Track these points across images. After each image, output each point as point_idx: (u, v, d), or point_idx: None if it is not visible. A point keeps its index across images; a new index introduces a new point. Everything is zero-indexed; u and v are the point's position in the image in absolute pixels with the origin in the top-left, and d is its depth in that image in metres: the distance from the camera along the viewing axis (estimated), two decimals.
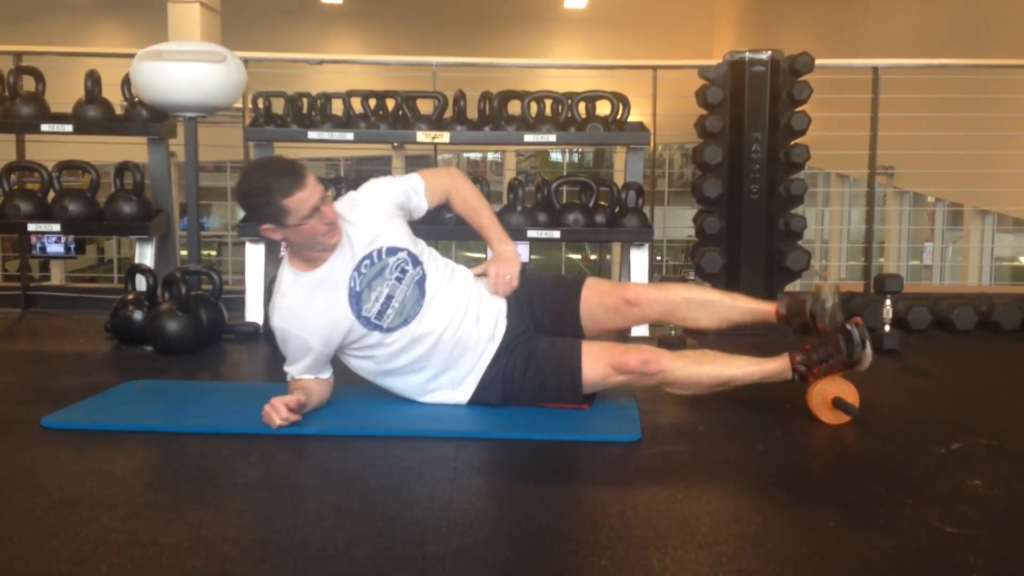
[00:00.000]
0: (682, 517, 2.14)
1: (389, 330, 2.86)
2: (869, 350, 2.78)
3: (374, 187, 3.01)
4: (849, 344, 2.78)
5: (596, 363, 2.86)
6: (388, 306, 2.84)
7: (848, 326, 2.79)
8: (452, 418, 2.87)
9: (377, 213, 2.93)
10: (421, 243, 3.02)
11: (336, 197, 3.03)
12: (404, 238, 2.95)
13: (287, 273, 2.89)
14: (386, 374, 2.95)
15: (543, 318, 3.04)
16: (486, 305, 2.99)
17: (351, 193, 3.01)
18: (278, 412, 2.70)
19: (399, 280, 2.87)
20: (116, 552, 1.90)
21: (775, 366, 2.89)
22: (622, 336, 3.91)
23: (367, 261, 2.85)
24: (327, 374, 2.96)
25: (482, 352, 2.93)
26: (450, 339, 2.89)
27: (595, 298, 3.03)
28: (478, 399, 2.95)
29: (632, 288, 3.06)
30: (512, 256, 3.09)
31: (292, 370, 2.92)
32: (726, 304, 3.05)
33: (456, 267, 3.07)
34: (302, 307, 2.84)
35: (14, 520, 2.10)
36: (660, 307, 3.02)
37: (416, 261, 2.92)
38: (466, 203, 3.14)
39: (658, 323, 3.32)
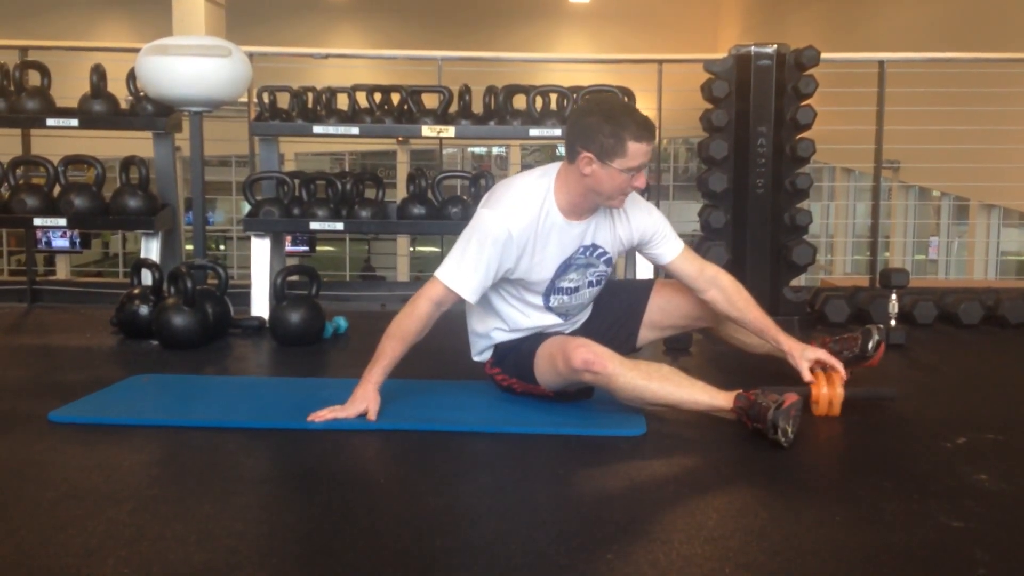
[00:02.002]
0: (688, 511, 2.14)
1: (550, 309, 2.94)
2: (791, 432, 2.58)
3: (649, 212, 3.01)
4: (775, 415, 2.56)
5: (552, 351, 2.81)
6: (569, 293, 2.92)
7: (772, 406, 2.59)
8: (459, 412, 2.88)
9: (632, 227, 2.95)
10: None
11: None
12: (615, 259, 3.02)
13: (544, 191, 2.82)
14: (492, 307, 2.98)
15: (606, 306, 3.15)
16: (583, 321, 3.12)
17: (634, 195, 2.93)
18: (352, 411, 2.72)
19: (590, 285, 2.97)
20: (123, 546, 1.91)
21: (723, 403, 2.73)
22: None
23: (594, 249, 2.90)
24: (472, 298, 2.80)
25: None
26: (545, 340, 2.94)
27: (677, 271, 3.05)
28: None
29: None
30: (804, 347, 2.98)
31: (449, 275, 2.77)
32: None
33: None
34: (532, 228, 2.78)
35: (22, 514, 2.10)
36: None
37: (603, 282, 3.03)
38: (747, 301, 3.02)
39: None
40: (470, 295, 2.78)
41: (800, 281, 5.22)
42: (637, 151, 2.69)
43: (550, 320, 2.97)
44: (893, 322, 4.05)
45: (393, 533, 1.98)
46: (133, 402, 3.04)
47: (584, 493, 2.31)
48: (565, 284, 2.91)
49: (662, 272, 3.30)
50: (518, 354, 2.95)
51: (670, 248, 3.01)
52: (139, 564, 1.83)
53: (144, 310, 4.06)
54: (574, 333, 3.02)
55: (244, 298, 4.45)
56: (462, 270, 2.76)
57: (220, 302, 4.11)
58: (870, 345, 3.04)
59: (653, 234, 2.99)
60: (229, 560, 1.85)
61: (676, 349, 3.84)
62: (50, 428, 2.73)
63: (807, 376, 2.89)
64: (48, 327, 4.66)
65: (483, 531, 2.02)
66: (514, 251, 2.77)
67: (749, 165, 4.54)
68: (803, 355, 2.91)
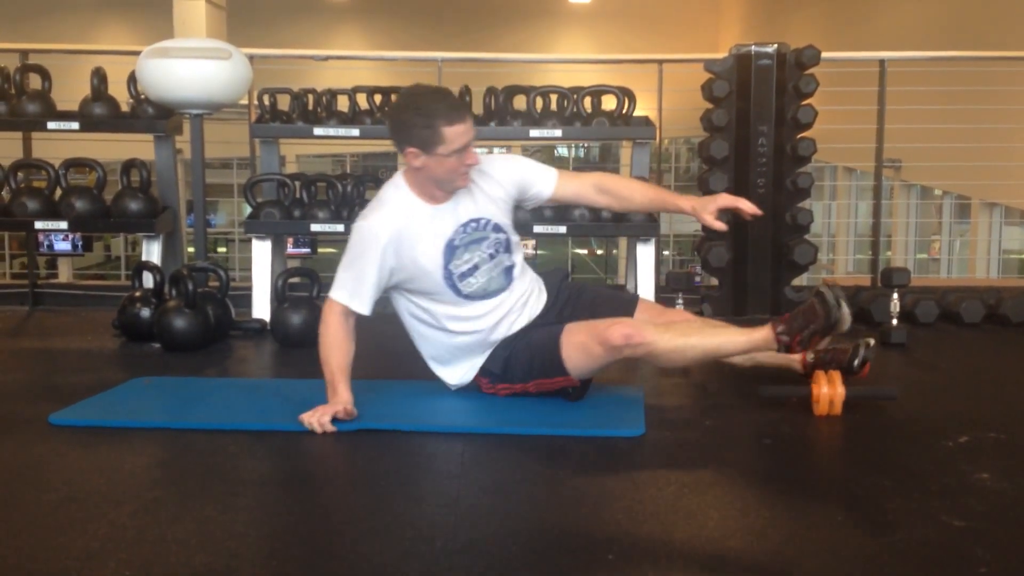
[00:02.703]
0: (689, 511, 2.14)
1: (466, 297, 2.89)
2: (846, 309, 2.70)
3: (505, 161, 3.07)
4: (824, 305, 2.69)
5: (581, 337, 2.82)
6: (471, 273, 2.88)
7: (821, 288, 2.75)
8: (459, 413, 2.88)
9: (501, 187, 2.97)
10: (516, 235, 3.06)
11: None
12: (508, 222, 3.00)
13: (401, 191, 2.89)
14: (428, 325, 2.96)
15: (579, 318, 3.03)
16: (533, 299, 3.04)
17: (486, 156, 3.02)
18: (323, 425, 2.67)
19: (491, 257, 2.92)
20: (124, 548, 1.91)
21: (760, 336, 2.81)
22: None
23: (474, 224, 2.89)
24: (365, 310, 2.86)
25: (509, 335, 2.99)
26: (502, 328, 2.94)
27: (575, 346, 2.92)
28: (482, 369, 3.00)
29: (615, 334, 2.79)
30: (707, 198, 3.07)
31: (339, 292, 2.84)
32: (714, 351, 2.91)
33: (528, 268, 3.12)
34: (401, 223, 2.84)
35: (22, 517, 2.10)
36: (644, 351, 2.87)
37: (509, 248, 2.97)
38: (629, 186, 3.17)
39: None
40: (362, 307, 2.84)
41: (802, 280, 5.22)
42: (454, 134, 2.72)
43: (484, 307, 2.91)
44: (895, 321, 4.05)
45: (394, 534, 1.98)
46: (134, 405, 3.04)
47: (584, 493, 2.31)
48: (462, 267, 2.87)
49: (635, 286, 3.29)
50: (527, 357, 2.91)
51: (546, 182, 3.06)
52: (140, 566, 1.83)
53: (145, 313, 4.06)
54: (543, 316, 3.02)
55: (245, 300, 4.45)
56: (350, 283, 2.85)
57: (221, 304, 4.11)
58: (855, 363, 2.97)
59: (522, 178, 3.03)
60: (230, 562, 1.85)
61: None
62: (51, 431, 2.73)
63: (716, 225, 2.97)
64: (50, 330, 4.66)
65: (484, 532, 2.02)
66: (392, 249, 2.82)
67: (750, 165, 4.54)
68: (705, 208, 3.00)
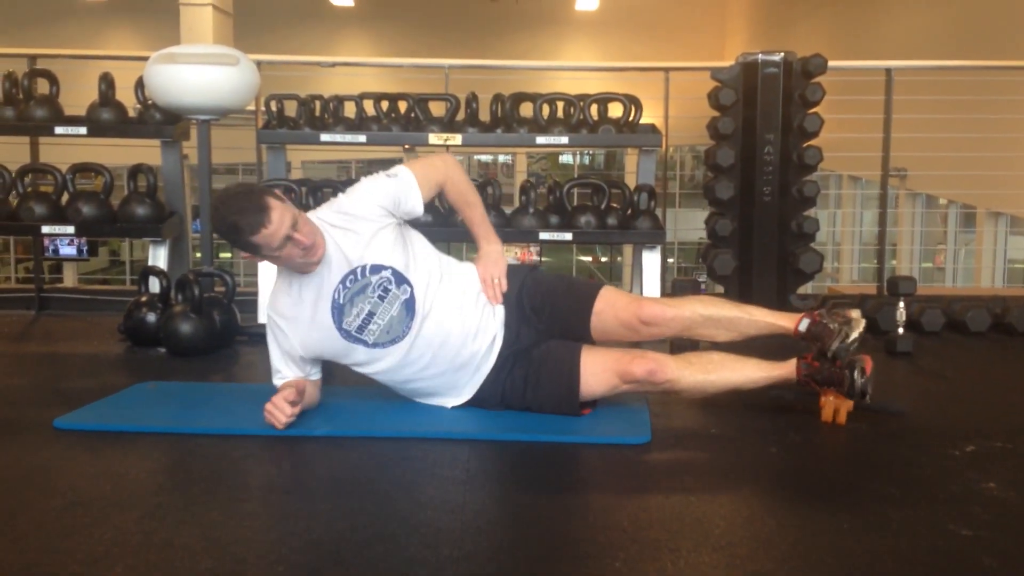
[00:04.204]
0: (695, 519, 2.13)
1: (376, 346, 2.82)
2: (866, 401, 2.82)
3: (364, 193, 2.89)
4: (851, 388, 2.80)
5: (600, 374, 2.81)
6: (370, 321, 2.79)
7: (857, 372, 2.78)
8: (465, 420, 2.87)
9: (366, 224, 2.83)
10: (417, 255, 2.89)
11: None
12: (391, 254, 2.82)
13: (281, 274, 2.89)
14: (384, 380, 2.94)
15: (552, 326, 2.97)
16: (486, 318, 2.92)
17: (340, 198, 2.92)
18: (282, 410, 2.68)
19: (381, 299, 2.79)
20: (130, 553, 1.91)
21: (781, 373, 2.89)
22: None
23: (352, 276, 2.78)
24: (315, 376, 2.94)
25: (479, 366, 2.90)
26: (444, 359, 2.86)
27: (609, 313, 2.93)
28: (474, 403, 2.94)
29: (648, 307, 2.91)
30: (498, 257, 3.02)
31: (277, 378, 2.90)
32: (744, 320, 2.97)
33: (462, 275, 2.98)
34: (289, 310, 2.84)
35: (28, 521, 2.10)
36: (677, 325, 2.93)
37: (401, 279, 2.81)
38: (460, 195, 3.05)
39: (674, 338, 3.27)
40: (308, 374, 2.91)
41: (807, 289, 5.21)
42: (265, 238, 2.65)
43: (396, 351, 2.82)
44: (901, 330, 4.04)
45: (400, 542, 1.98)
46: (139, 409, 3.04)
47: (590, 501, 2.31)
48: (355, 321, 2.79)
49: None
50: (535, 384, 2.87)
51: (405, 189, 2.90)
52: (145, 571, 1.83)
53: (151, 318, 4.07)
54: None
55: (251, 305, 4.45)
56: (274, 367, 2.91)
57: (227, 309, 4.11)
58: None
59: (385, 200, 2.87)
60: (235, 568, 1.85)
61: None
62: (56, 435, 2.74)
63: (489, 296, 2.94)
64: (55, 335, 4.67)
65: (490, 539, 2.02)
66: (289, 327, 2.83)
67: (756, 173, 4.54)
68: (478, 263, 3.00)
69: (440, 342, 2.84)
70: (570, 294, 3.02)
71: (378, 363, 2.85)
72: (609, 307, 2.94)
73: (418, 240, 2.97)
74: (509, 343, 2.92)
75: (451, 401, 2.95)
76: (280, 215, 2.65)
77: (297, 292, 2.83)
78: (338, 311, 2.79)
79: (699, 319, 2.94)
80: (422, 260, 2.90)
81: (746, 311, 3.00)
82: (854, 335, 2.82)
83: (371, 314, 2.79)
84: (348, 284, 2.79)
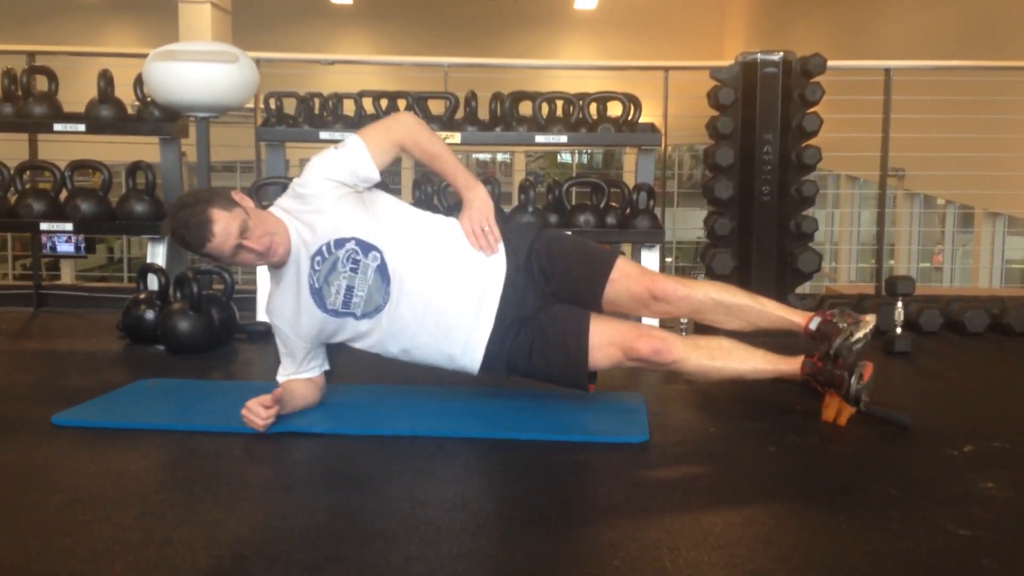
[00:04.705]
0: (694, 519, 2.14)
1: (364, 317, 2.78)
2: (861, 407, 2.82)
3: (315, 171, 2.78)
4: (847, 392, 2.80)
5: (605, 347, 2.76)
6: (352, 296, 2.75)
7: (854, 378, 2.77)
8: (464, 419, 2.87)
9: (322, 200, 2.75)
10: (380, 216, 2.80)
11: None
12: (352, 223, 2.75)
13: (268, 270, 2.91)
14: (391, 353, 2.89)
15: (561, 290, 2.87)
16: (474, 274, 2.80)
17: (294, 183, 2.83)
18: (257, 414, 2.68)
19: (353, 271, 2.73)
20: (130, 551, 1.91)
21: (786, 368, 2.89)
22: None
23: (318, 257, 2.74)
24: (315, 372, 2.94)
25: (474, 327, 2.79)
26: (431, 323, 2.77)
27: (622, 284, 2.86)
28: (484, 371, 2.86)
29: (661, 282, 2.87)
30: (482, 201, 2.86)
31: (280, 374, 2.93)
32: (755, 310, 2.94)
33: (440, 228, 2.87)
34: (278, 302, 2.85)
35: (28, 519, 2.10)
36: (687, 305, 2.89)
37: (368, 247, 2.73)
38: (424, 151, 2.87)
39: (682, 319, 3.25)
40: (310, 372, 2.94)
41: (805, 288, 5.22)
42: (215, 247, 2.65)
43: (381, 319, 2.78)
44: (899, 329, 4.05)
45: (399, 539, 1.98)
46: (139, 406, 3.04)
47: (589, 500, 2.31)
48: (338, 299, 2.76)
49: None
50: (541, 352, 2.80)
51: (355, 156, 2.78)
52: (146, 569, 1.83)
53: (150, 315, 4.07)
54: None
55: (250, 303, 4.46)
56: (282, 366, 2.95)
57: (226, 307, 4.11)
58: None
59: (337, 171, 2.77)
60: (235, 565, 1.86)
61: None
62: (56, 433, 2.74)
63: (471, 240, 2.84)
64: (54, 332, 4.67)
65: (489, 537, 2.02)
66: (281, 320, 2.85)
67: (755, 172, 4.54)
68: (463, 212, 2.87)
69: (423, 307, 2.76)
70: (585, 261, 2.91)
71: (372, 335, 2.82)
72: (623, 277, 2.87)
73: (383, 202, 2.87)
74: (514, 306, 2.81)
75: (459, 364, 2.84)
76: (224, 227, 2.62)
77: (280, 284, 2.84)
78: (318, 295, 2.76)
79: (710, 303, 2.91)
80: (388, 223, 2.80)
81: (759, 301, 2.98)
82: (859, 335, 2.81)
83: (350, 288, 2.74)
84: (317, 266, 2.74)
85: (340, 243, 2.73)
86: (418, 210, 2.93)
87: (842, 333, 2.82)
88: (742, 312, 2.94)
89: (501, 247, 2.86)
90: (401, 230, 2.80)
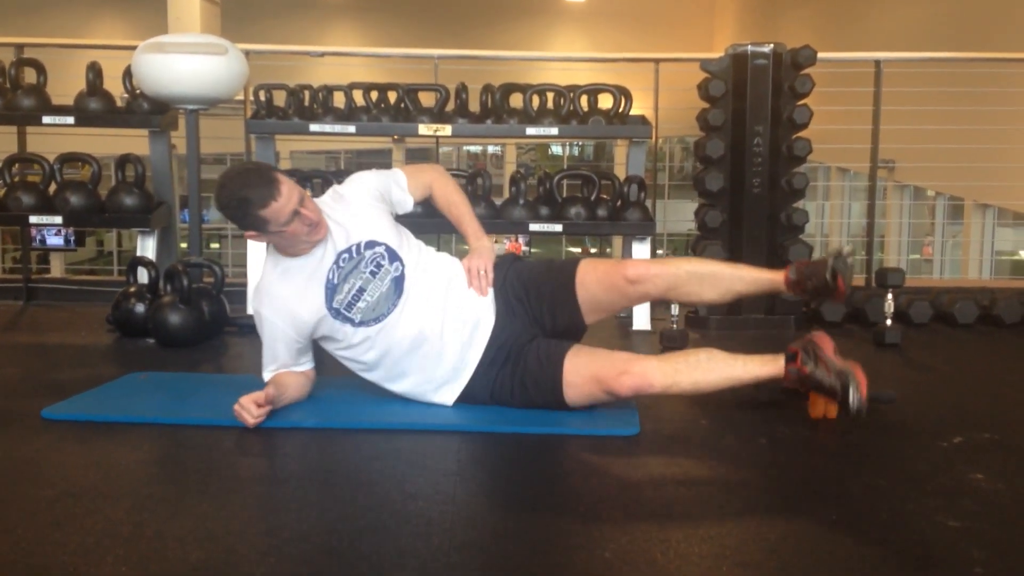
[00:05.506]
0: (685, 511, 2.14)
1: (361, 324, 2.82)
2: (857, 412, 2.70)
3: (357, 180, 3.03)
4: (846, 407, 2.69)
5: (582, 386, 2.77)
6: (359, 299, 2.81)
7: (852, 393, 2.66)
8: (454, 412, 2.87)
9: (361, 205, 2.93)
10: (408, 238, 2.98)
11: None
12: (385, 232, 2.90)
13: (269, 259, 2.91)
14: (370, 370, 2.93)
15: (540, 311, 2.94)
16: (467, 310, 2.90)
17: (335, 186, 3.02)
18: (248, 411, 2.67)
19: (373, 275, 2.82)
20: (121, 544, 1.91)
21: (769, 371, 2.79)
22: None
23: (346, 255, 2.82)
24: (306, 367, 2.94)
25: (462, 358, 2.87)
26: (428, 343, 2.84)
27: (592, 281, 2.91)
28: (463, 402, 2.92)
29: (632, 266, 2.92)
30: (487, 251, 3.04)
31: (266, 372, 2.92)
32: (730, 275, 2.95)
33: (448, 264, 3.00)
34: (277, 289, 2.84)
35: (18, 512, 2.10)
36: (662, 282, 2.89)
37: (395, 257, 2.86)
38: (446, 198, 3.17)
39: (661, 299, 3.22)
40: (298, 366, 2.93)
41: None
42: (273, 213, 2.68)
43: (379, 329, 2.83)
44: (889, 321, 4.06)
45: (391, 532, 1.98)
46: (129, 400, 3.03)
47: (580, 492, 2.31)
48: (345, 298, 2.81)
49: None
50: (521, 388, 2.85)
51: (396, 181, 3.07)
52: (137, 562, 1.83)
53: (140, 308, 4.06)
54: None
55: (240, 296, 4.45)
56: (265, 363, 2.93)
57: (216, 300, 4.11)
58: (827, 276, 2.83)
59: (376, 190, 2.99)
60: (227, 559, 1.85)
61: (672, 349, 3.84)
62: (46, 426, 2.73)
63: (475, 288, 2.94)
64: (44, 325, 4.66)
65: (480, 530, 2.02)
66: (274, 304, 2.83)
67: (745, 164, 4.55)
68: (467, 257, 3.02)
69: (418, 330, 2.83)
70: (550, 273, 2.99)
71: (361, 345, 2.85)
72: (591, 273, 2.93)
73: (408, 232, 3.04)
74: (496, 336, 2.90)
75: (440, 397, 2.92)
76: (289, 189, 2.71)
77: (286, 271, 2.84)
78: (331, 290, 2.81)
79: (684, 275, 2.92)
80: (413, 246, 2.98)
81: (733, 267, 3.01)
82: (845, 251, 2.85)
83: (361, 290, 2.82)
84: (342, 264, 2.82)
85: (371, 245, 2.86)
86: (427, 246, 3.07)
87: (830, 257, 2.84)
88: (716, 280, 2.95)
89: (491, 292, 2.97)
90: (421, 256, 2.95)
